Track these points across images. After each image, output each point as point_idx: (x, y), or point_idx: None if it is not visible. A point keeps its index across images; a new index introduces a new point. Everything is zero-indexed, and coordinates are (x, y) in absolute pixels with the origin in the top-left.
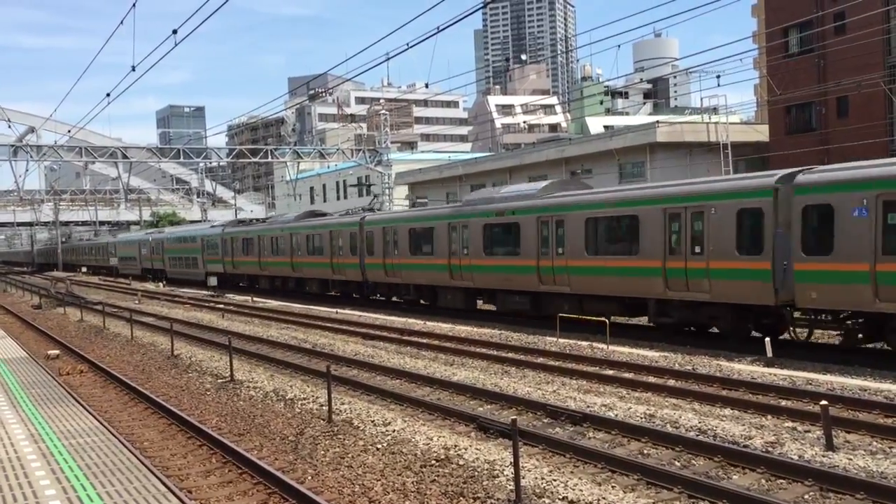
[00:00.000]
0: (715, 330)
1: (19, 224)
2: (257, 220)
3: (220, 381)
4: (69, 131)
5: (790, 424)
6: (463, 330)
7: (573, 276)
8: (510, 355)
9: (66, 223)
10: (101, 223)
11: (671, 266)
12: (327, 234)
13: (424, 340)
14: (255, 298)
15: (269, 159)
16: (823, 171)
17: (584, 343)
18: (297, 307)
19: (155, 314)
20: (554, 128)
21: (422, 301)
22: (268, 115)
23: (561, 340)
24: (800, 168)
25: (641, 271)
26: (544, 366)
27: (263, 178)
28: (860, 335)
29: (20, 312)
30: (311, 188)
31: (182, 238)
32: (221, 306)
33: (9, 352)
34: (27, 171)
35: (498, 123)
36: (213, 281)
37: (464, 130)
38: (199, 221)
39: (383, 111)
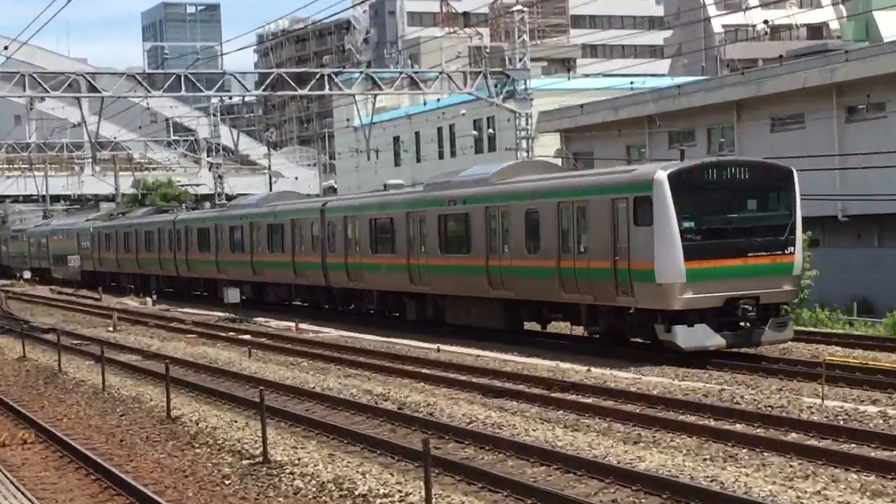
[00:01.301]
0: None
1: None
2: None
3: (246, 462)
4: (4, 48)
5: None
6: (655, 383)
7: (517, 279)
8: (738, 427)
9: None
10: (57, 199)
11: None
12: (289, 223)
13: (590, 400)
14: (299, 325)
15: (326, 91)
16: None
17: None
18: (370, 340)
19: (141, 349)
20: (817, 31)
21: (387, 313)
22: (323, 17)
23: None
24: None
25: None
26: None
27: (316, 122)
28: None
29: None
30: (397, 139)
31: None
32: (247, 337)
33: None
34: None
35: (717, 25)
36: (233, 296)
37: (658, 38)
38: (211, 197)
39: (518, 7)
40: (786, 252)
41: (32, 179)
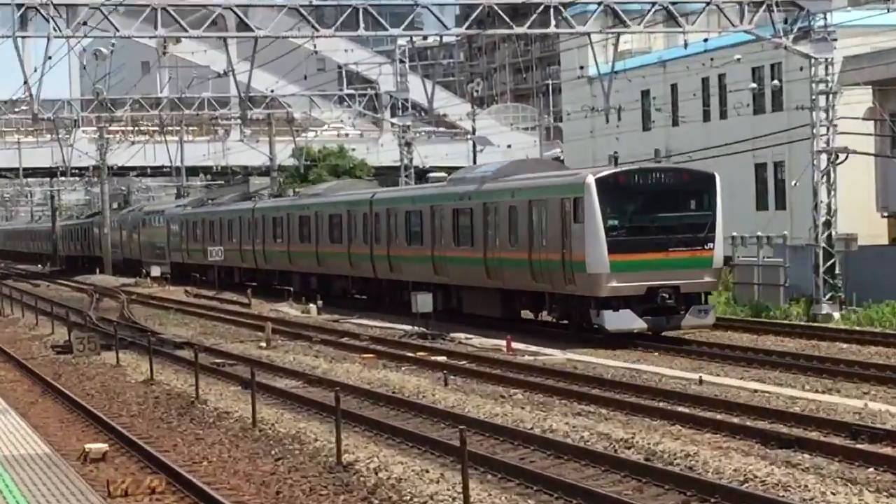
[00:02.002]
0: None
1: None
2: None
3: None
4: None
5: None
6: None
7: (505, 270)
8: None
9: (122, 171)
10: (194, 171)
11: None
12: (345, 213)
13: None
14: (512, 344)
15: (551, 28)
16: None
17: None
18: (608, 365)
19: (303, 372)
20: None
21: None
22: None
23: None
24: None
25: None
26: None
27: (537, 71)
28: None
29: (31, 361)
30: (646, 93)
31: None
32: (442, 359)
33: (13, 443)
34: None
35: None
36: (424, 304)
37: None
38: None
39: None
40: (705, 247)
41: (163, 146)
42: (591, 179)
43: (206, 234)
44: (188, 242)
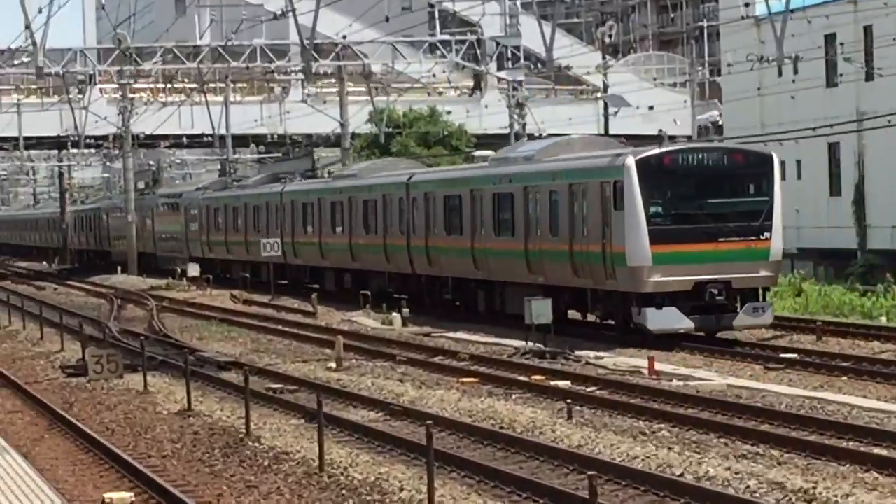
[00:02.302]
0: None
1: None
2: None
3: None
4: None
5: None
6: None
7: (546, 264)
8: None
9: (150, 140)
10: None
11: None
12: (380, 198)
13: None
14: (655, 366)
15: None
16: None
17: None
18: (782, 393)
19: (383, 402)
20: None
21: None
22: None
23: None
24: None
25: None
26: None
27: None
28: None
29: (35, 385)
30: (830, 38)
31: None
32: (564, 384)
33: (12, 492)
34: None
35: None
36: (541, 313)
37: None
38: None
39: None
40: (761, 238)
41: (203, 108)
42: (630, 161)
43: (228, 222)
44: (208, 233)
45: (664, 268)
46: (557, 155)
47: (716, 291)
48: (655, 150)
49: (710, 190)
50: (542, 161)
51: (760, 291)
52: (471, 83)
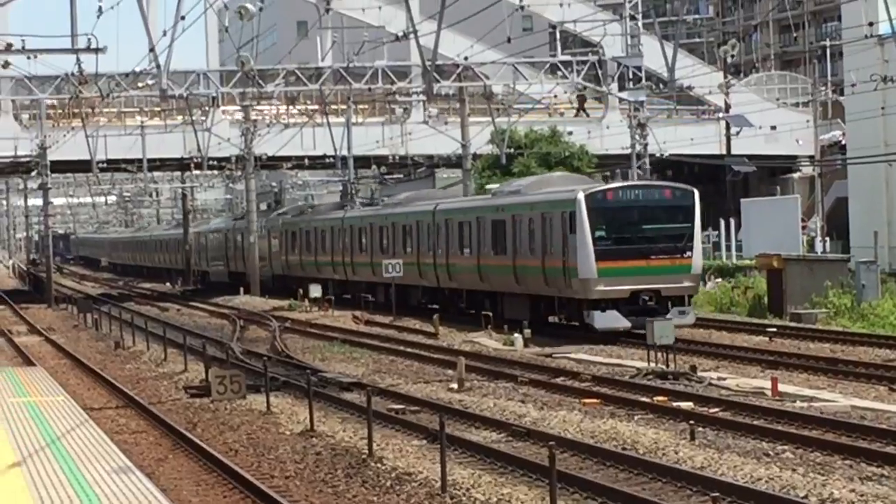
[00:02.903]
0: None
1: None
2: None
3: None
4: None
5: None
6: None
7: (528, 277)
8: None
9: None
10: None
11: None
12: (414, 224)
13: None
14: (778, 386)
15: None
16: None
17: None
18: None
19: (505, 422)
20: None
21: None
22: None
23: None
24: None
25: None
26: None
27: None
28: None
29: (158, 406)
30: None
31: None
32: (687, 405)
33: None
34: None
35: None
36: (664, 334)
37: None
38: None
39: None
40: (684, 256)
41: (325, 130)
42: (581, 196)
43: (302, 244)
44: (286, 253)
45: (607, 279)
46: (539, 189)
47: (648, 298)
48: (601, 187)
49: (642, 218)
50: (526, 194)
51: (686, 298)
52: (594, 103)
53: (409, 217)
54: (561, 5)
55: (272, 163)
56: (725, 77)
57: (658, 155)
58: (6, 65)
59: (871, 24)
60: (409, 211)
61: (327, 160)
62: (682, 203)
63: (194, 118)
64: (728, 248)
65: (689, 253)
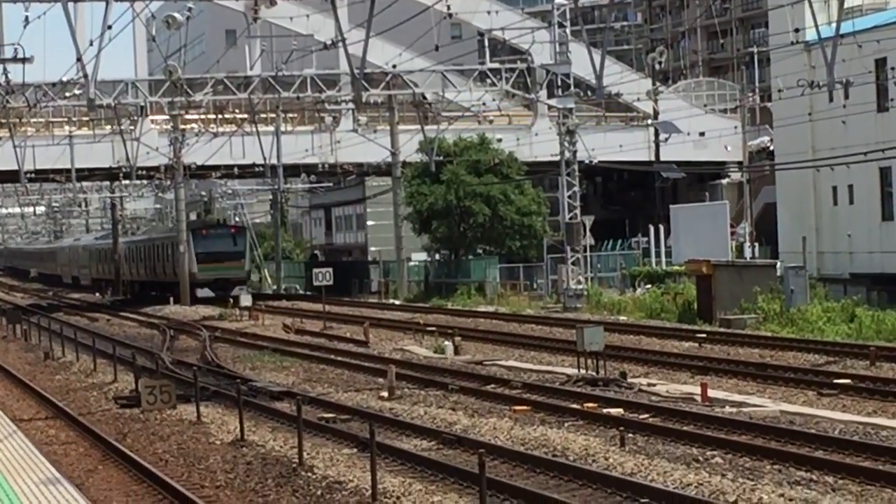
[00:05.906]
0: None
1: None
2: None
3: None
4: None
5: None
6: None
7: None
8: None
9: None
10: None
11: None
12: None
13: None
14: (708, 393)
15: None
16: None
17: None
18: (837, 420)
19: (435, 430)
20: None
21: None
22: None
23: None
24: None
25: None
26: None
27: (737, 35)
28: None
29: (88, 416)
30: (881, 63)
31: None
32: (617, 412)
33: None
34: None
35: None
36: (594, 340)
37: None
38: (552, 165)
39: None
40: (239, 262)
41: (255, 139)
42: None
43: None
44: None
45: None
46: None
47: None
48: (201, 223)
49: (218, 240)
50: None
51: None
52: (523, 111)
53: (137, 244)
54: (489, 13)
55: (201, 172)
56: (654, 84)
57: (587, 162)
58: None
59: (797, 30)
60: (133, 240)
61: (257, 169)
62: (241, 233)
63: (123, 128)
64: (657, 255)
65: (242, 260)
